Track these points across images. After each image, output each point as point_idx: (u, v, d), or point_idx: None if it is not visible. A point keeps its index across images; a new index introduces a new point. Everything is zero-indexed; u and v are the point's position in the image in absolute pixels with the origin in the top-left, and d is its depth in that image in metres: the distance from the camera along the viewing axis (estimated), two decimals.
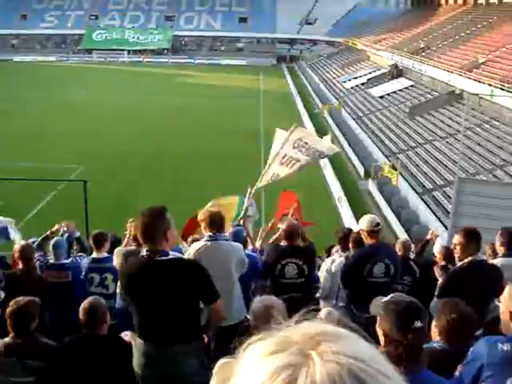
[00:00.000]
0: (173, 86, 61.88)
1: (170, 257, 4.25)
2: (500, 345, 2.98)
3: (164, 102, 50.75)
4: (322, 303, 7.35)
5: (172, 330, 4.24)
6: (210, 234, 5.66)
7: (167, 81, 65.80)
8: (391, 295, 3.01)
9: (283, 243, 6.72)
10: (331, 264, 7.54)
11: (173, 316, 4.22)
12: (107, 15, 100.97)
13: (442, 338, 3.68)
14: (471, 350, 3.12)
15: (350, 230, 8.01)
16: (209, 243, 5.62)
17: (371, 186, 29.27)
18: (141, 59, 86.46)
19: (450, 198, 19.60)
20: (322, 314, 4.71)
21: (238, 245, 6.02)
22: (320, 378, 0.83)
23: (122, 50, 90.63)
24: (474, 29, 52.73)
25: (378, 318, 2.94)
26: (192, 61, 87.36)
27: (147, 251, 4.20)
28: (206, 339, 4.95)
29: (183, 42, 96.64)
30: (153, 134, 38.17)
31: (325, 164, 32.14)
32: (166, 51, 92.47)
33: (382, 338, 2.92)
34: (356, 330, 0.95)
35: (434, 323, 3.77)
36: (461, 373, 3.16)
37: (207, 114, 45.58)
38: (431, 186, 27.18)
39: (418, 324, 2.82)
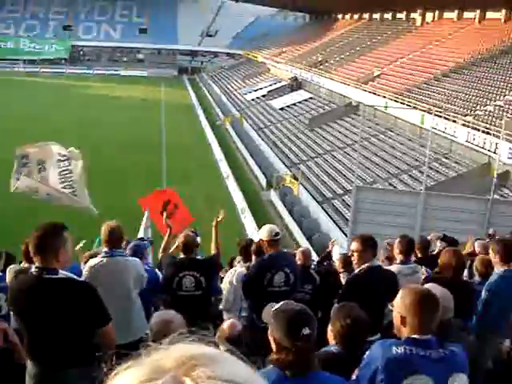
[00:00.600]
0: (70, 97, 60.08)
1: (60, 276, 4.05)
2: (394, 348, 3.05)
3: (61, 114, 49.14)
4: (225, 315, 7.32)
5: (62, 352, 4.03)
6: (106, 249, 5.51)
7: (64, 92, 63.81)
8: (281, 303, 3.04)
9: (181, 256, 6.67)
10: (233, 275, 7.52)
11: (62, 338, 4.00)
12: (1, 23, 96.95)
13: (338, 342, 3.74)
14: (367, 353, 3.18)
15: (251, 240, 8.02)
16: (105, 259, 5.47)
17: (273, 196, 29.64)
18: (37, 69, 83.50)
19: (349, 206, 20.13)
20: (225, 325, 4.68)
21: (136, 260, 5.88)
22: None
23: (17, 59, 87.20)
24: (369, 43, 54.77)
25: (270, 326, 2.96)
26: (91, 71, 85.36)
27: (36, 268, 4.00)
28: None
29: (82, 52, 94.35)
30: None
31: (227, 175, 32.29)
32: (63, 61, 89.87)
33: (273, 345, 2.93)
34: (232, 352, 0.90)
35: (329, 328, 3.83)
36: (357, 376, 3.21)
37: (106, 127, 44.55)
38: (331, 195, 27.88)
39: (307, 331, 2.86)
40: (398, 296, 3.21)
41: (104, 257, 5.49)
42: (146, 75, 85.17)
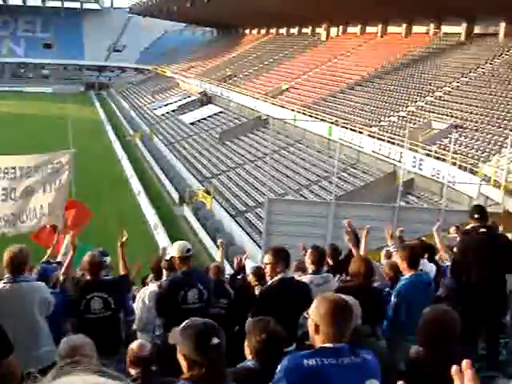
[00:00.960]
0: None
1: None
2: (305, 360, 3.04)
3: None
4: (139, 335, 7.13)
5: None
6: (8, 275, 5.27)
7: None
8: (186, 321, 3.01)
9: (87, 277, 6.48)
10: (145, 294, 7.36)
11: None
12: None
13: (254, 356, 3.71)
14: (279, 367, 3.15)
15: (160, 258, 7.89)
16: (7, 286, 5.23)
17: (186, 211, 29.45)
18: None
19: (262, 218, 20.27)
20: (133, 346, 4.56)
21: (40, 285, 5.65)
22: None
23: None
24: (276, 57, 55.69)
25: (178, 346, 2.90)
26: None
27: None
28: None
29: None
30: None
31: (139, 192, 31.83)
32: None
33: (184, 364, 2.89)
34: (117, 377, 0.85)
35: (246, 343, 3.80)
36: None
37: (9, 146, 42.79)
38: (244, 208, 28.00)
39: (216, 340, 2.85)
40: (313, 305, 3.22)
41: (6, 283, 5.25)
42: (51, 91, 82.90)
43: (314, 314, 3.16)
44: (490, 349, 6.86)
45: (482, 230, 6.49)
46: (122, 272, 7.03)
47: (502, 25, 34.01)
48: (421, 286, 5.99)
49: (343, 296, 3.79)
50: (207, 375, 2.81)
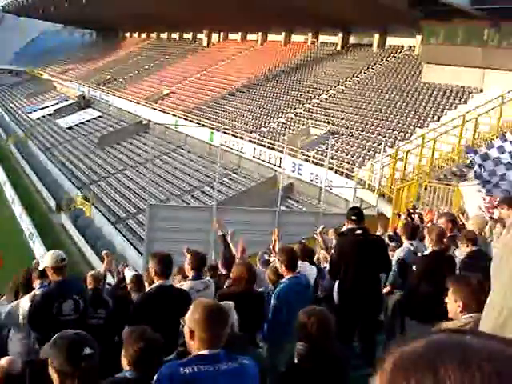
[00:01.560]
0: None
1: None
2: (182, 368, 3.00)
3: None
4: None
5: None
6: None
7: None
8: (57, 334, 2.90)
9: None
10: (16, 309, 6.95)
11: None
12: None
13: (131, 366, 3.61)
14: (156, 376, 3.10)
15: (31, 269, 7.45)
16: None
17: (64, 219, 28.44)
18: None
19: (144, 224, 19.95)
20: (3, 362, 4.29)
21: None
22: None
23: None
24: (157, 62, 55.17)
25: (49, 360, 2.78)
26: None
27: None
28: None
29: None
30: None
31: (12, 200, 30.36)
32: None
33: (55, 378, 2.78)
34: None
35: (123, 353, 3.68)
36: None
37: None
38: (124, 215, 27.46)
39: (88, 351, 2.80)
40: (189, 311, 3.18)
41: None
42: None
43: (189, 319, 3.13)
44: (367, 346, 7.12)
45: (358, 231, 6.72)
46: None
47: (376, 36, 35.68)
48: (299, 289, 6.10)
49: (222, 302, 3.77)
50: None
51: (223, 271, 7.54)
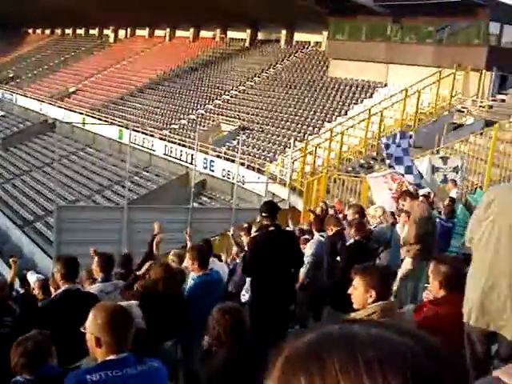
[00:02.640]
0: None
1: None
2: (88, 376, 2.90)
3: None
4: None
5: None
6: None
7: None
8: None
9: None
10: None
11: None
12: None
13: (20, 371, 3.57)
14: None
15: None
16: None
17: None
18: None
19: (52, 227, 19.35)
20: None
21: None
22: None
23: None
24: (62, 58, 53.51)
25: None
26: None
27: None
28: None
29: None
30: None
31: None
32: None
33: None
34: None
35: (12, 360, 3.61)
36: None
37: None
38: (32, 218, 26.53)
39: None
40: (90, 316, 3.07)
41: None
42: None
43: (92, 326, 3.02)
44: (280, 338, 7.18)
45: (271, 228, 6.73)
46: None
47: (284, 32, 36.07)
48: (211, 285, 6.08)
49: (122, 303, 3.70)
50: None
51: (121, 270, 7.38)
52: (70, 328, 4.51)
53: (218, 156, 24.69)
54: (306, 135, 23.91)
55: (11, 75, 53.96)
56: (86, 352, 4.73)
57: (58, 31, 64.85)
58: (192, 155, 24.40)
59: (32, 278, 7.76)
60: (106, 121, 32.88)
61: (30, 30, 71.72)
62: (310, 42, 34.68)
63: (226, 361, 4.09)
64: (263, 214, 6.82)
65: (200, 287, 6.08)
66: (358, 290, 3.83)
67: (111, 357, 2.99)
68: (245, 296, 6.70)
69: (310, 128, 24.94)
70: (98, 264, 6.35)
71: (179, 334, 5.92)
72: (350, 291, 3.88)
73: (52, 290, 6.73)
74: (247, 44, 39.40)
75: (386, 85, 25.22)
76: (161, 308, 5.32)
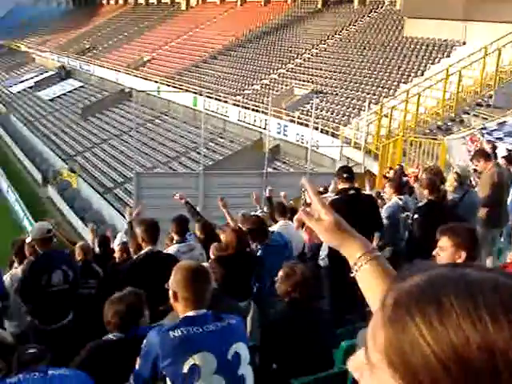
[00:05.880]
0: None
1: None
2: (171, 332, 3.02)
3: None
4: (6, 323, 6.75)
5: None
6: None
7: None
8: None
9: None
10: (11, 280, 6.97)
11: None
12: None
13: (112, 329, 3.68)
14: (144, 341, 3.11)
15: (23, 240, 7.48)
16: None
17: (51, 192, 28.31)
18: None
19: (131, 193, 19.91)
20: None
21: None
22: None
23: None
24: (136, 28, 54.30)
25: None
26: None
27: None
28: None
29: None
30: None
31: None
32: None
33: None
34: None
35: (105, 317, 3.74)
36: (139, 365, 3.13)
37: None
38: (112, 185, 27.37)
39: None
40: (172, 274, 3.22)
41: None
42: None
43: (171, 281, 3.17)
44: (356, 301, 7.18)
45: (352, 191, 6.64)
46: None
47: None
48: (276, 250, 6.18)
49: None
50: None
51: (201, 237, 7.55)
52: (152, 288, 4.69)
53: (292, 121, 24.59)
54: (381, 97, 23.42)
55: (88, 46, 55.24)
56: (167, 311, 4.92)
57: (131, 1, 65.74)
58: (265, 120, 24.40)
59: (115, 240, 8.05)
60: (180, 88, 33.27)
61: (105, 1, 73.05)
62: (384, 1, 33.76)
63: (285, 314, 4.18)
64: (344, 176, 6.69)
65: (265, 253, 6.19)
66: (447, 252, 3.67)
67: (191, 313, 3.10)
68: (324, 260, 6.69)
69: (386, 90, 24.41)
70: (173, 227, 6.54)
71: (254, 295, 6.04)
72: (435, 253, 3.75)
73: (132, 251, 6.96)
74: (319, 6, 38.76)
75: (464, 43, 24.28)
76: (234, 268, 5.43)
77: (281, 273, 4.24)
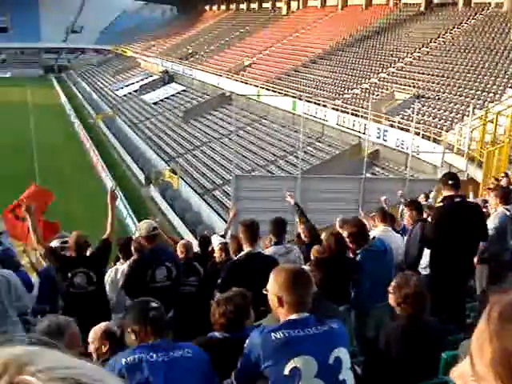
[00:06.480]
0: None
1: None
2: (273, 334, 3.04)
3: None
4: (112, 316, 7.06)
5: None
6: None
7: None
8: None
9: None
10: (115, 274, 7.28)
11: None
12: None
13: (219, 328, 3.75)
14: (247, 341, 3.16)
15: (130, 237, 7.81)
16: None
17: (153, 192, 29.26)
18: None
19: (230, 195, 20.26)
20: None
21: (3, 272, 5.42)
22: None
23: None
24: (237, 33, 55.24)
25: (125, 328, 3.32)
26: None
27: None
28: None
29: None
30: None
31: (106, 175, 31.50)
32: None
33: (133, 339, 3.29)
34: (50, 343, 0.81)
35: (212, 316, 3.81)
36: (241, 364, 3.19)
37: None
38: (211, 186, 27.93)
39: (154, 304, 3.38)
40: (270, 278, 3.21)
41: None
42: (8, 76, 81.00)
43: (274, 286, 3.15)
44: (458, 313, 6.96)
45: (457, 199, 6.42)
46: (108, 229, 6.76)
47: None
48: (375, 255, 6.09)
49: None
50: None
51: (306, 239, 7.56)
52: (252, 289, 4.75)
53: (392, 125, 24.18)
54: (486, 102, 22.59)
55: (190, 51, 56.67)
56: (267, 312, 4.97)
57: (233, 7, 66.88)
58: (365, 125, 24.12)
59: (214, 240, 8.20)
60: (279, 92, 33.51)
61: (207, 7, 74.69)
62: (490, 3, 32.52)
63: (405, 328, 4.09)
64: (449, 183, 6.48)
65: (365, 258, 6.11)
66: None
67: (293, 316, 3.11)
68: (426, 269, 6.54)
69: (491, 95, 23.51)
70: (271, 228, 6.60)
71: (352, 300, 6.00)
72: None
73: (231, 251, 7.08)
74: (422, 8, 37.89)
75: None
76: (332, 271, 5.41)
77: (393, 282, 4.19)
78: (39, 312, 6.30)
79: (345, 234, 6.27)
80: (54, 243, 7.43)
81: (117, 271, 7.34)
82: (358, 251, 6.13)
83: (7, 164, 32.22)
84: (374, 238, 6.34)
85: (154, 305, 3.36)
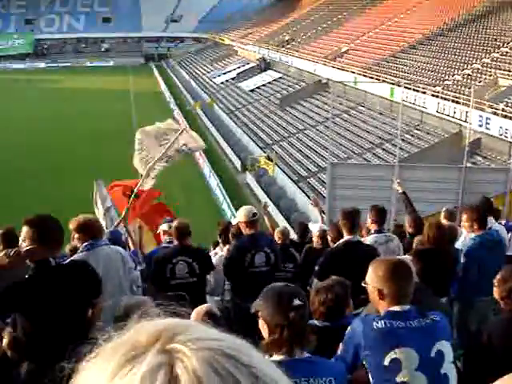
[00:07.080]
0: (38, 91, 59.00)
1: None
2: (375, 323, 3.06)
3: (30, 109, 48.30)
4: (208, 298, 7.28)
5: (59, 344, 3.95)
6: (86, 243, 5.10)
7: (31, 87, 62.64)
8: (268, 286, 2.97)
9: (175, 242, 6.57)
10: (214, 258, 7.50)
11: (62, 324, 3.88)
12: None
13: (319, 316, 3.77)
14: (348, 329, 3.18)
15: (229, 222, 8.00)
16: (87, 253, 5.03)
17: (249, 178, 29.61)
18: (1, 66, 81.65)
19: (325, 183, 20.18)
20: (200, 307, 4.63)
21: (120, 249, 5.65)
22: (198, 366, 0.74)
23: None
24: (335, 19, 54.64)
25: (260, 313, 2.85)
26: (56, 64, 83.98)
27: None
28: None
29: (46, 46, 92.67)
30: (22, 144, 36.03)
31: (203, 161, 32.16)
32: (27, 56, 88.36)
33: (265, 330, 2.83)
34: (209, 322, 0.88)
35: (311, 302, 3.85)
36: (342, 351, 3.22)
37: (77, 120, 43.79)
38: (306, 174, 27.93)
39: (297, 302, 2.80)
40: (370, 270, 3.21)
41: (84, 250, 5.09)
42: (112, 65, 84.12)
43: (374, 278, 3.15)
44: None
45: None
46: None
47: None
48: (490, 245, 5.89)
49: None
50: (289, 338, 2.77)
51: (410, 230, 7.44)
52: (351, 277, 4.76)
53: (495, 113, 23.22)
54: None
55: (287, 38, 56.61)
56: (367, 301, 4.97)
57: None
58: (466, 112, 23.30)
59: (314, 227, 8.25)
60: (377, 79, 32.94)
61: None
62: None
63: (508, 322, 3.98)
64: None
65: (478, 248, 5.93)
66: None
67: (395, 308, 3.10)
68: None
69: None
70: (370, 216, 6.55)
71: (457, 292, 5.87)
72: None
73: (329, 239, 7.09)
74: None
75: None
76: (432, 263, 5.31)
77: (499, 275, 4.08)
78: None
79: (464, 217, 6.11)
80: (164, 227, 7.72)
81: (215, 255, 7.56)
82: (472, 236, 5.98)
83: (109, 149, 33.46)
84: (490, 227, 6.16)
85: None
